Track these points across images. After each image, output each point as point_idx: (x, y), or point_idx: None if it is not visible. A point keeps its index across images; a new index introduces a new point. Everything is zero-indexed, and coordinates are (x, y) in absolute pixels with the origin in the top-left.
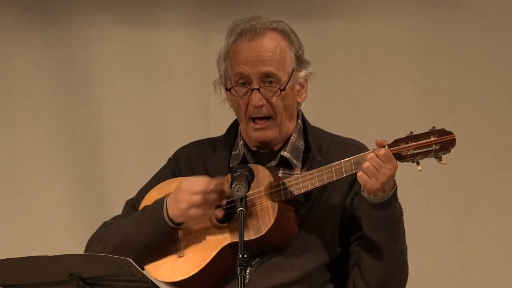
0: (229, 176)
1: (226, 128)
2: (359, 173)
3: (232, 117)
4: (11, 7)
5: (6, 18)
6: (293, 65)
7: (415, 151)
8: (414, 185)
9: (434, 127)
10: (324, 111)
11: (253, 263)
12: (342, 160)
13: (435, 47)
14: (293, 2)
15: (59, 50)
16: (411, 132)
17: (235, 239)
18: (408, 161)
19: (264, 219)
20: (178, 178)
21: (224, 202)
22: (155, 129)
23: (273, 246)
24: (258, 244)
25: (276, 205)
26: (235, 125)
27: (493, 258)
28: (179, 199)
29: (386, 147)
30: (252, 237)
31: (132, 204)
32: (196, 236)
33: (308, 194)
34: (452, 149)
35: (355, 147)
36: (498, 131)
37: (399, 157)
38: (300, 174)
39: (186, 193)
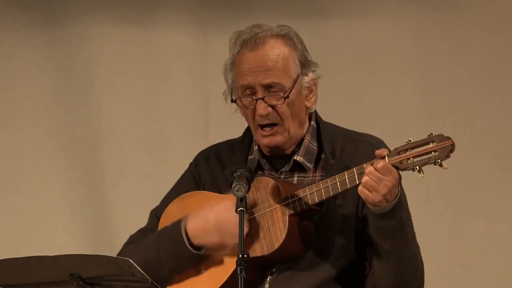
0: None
1: (226, 128)
2: (360, 188)
3: (232, 117)
4: (11, 7)
5: (6, 18)
6: (297, 70)
7: (415, 159)
8: (414, 185)
9: (432, 134)
10: (324, 111)
11: (274, 270)
12: (346, 172)
13: (435, 47)
14: (293, 2)
15: (59, 50)
16: (409, 140)
17: (253, 254)
18: (409, 170)
19: (276, 233)
20: (194, 193)
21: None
22: (155, 129)
23: (290, 256)
24: (274, 257)
25: (287, 218)
26: (250, 129)
27: (493, 258)
28: (209, 228)
29: (386, 157)
30: (266, 253)
31: (156, 215)
32: (215, 254)
33: (312, 206)
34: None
35: (368, 144)
36: (498, 131)
37: (400, 166)
38: (319, 178)
39: (216, 223)
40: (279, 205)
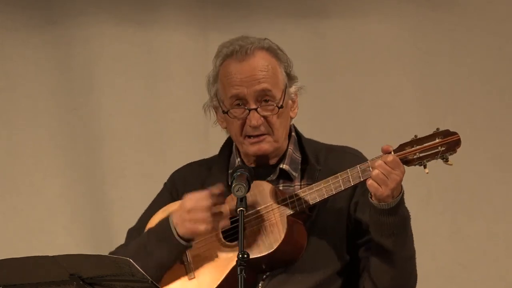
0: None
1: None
2: (369, 181)
3: None
4: (11, 7)
5: (6, 18)
6: (285, 81)
7: (421, 154)
8: (415, 186)
9: (438, 129)
10: (324, 111)
11: (264, 276)
12: (349, 169)
13: (435, 47)
14: (293, 2)
15: (59, 50)
16: (415, 136)
17: (251, 255)
18: (415, 165)
19: (274, 234)
20: (176, 203)
21: (228, 222)
22: (155, 129)
23: (284, 261)
24: (269, 260)
25: (285, 219)
26: (228, 145)
27: (493, 258)
28: (184, 217)
29: (392, 152)
30: (264, 253)
31: (136, 231)
32: (206, 257)
33: (311, 205)
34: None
35: (352, 155)
36: (498, 131)
37: (406, 161)
38: (305, 186)
39: (191, 211)
40: (277, 206)
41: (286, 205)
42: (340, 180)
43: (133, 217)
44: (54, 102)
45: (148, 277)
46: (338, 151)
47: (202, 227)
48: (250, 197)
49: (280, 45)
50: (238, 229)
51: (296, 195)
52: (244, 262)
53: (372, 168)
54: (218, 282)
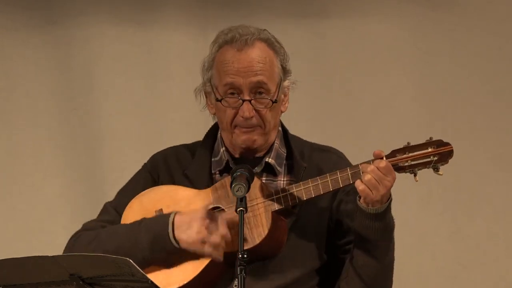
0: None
1: None
2: (361, 186)
3: None
4: (11, 7)
5: (6, 18)
6: (280, 75)
7: (413, 162)
8: (414, 186)
9: (431, 138)
10: (324, 111)
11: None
12: (338, 171)
13: (435, 47)
14: (293, 2)
15: (59, 50)
16: (408, 143)
17: (226, 249)
18: (406, 172)
19: (258, 229)
20: (156, 188)
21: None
22: (155, 129)
23: (263, 255)
24: (250, 253)
25: (270, 215)
26: (212, 132)
27: (493, 258)
28: (192, 226)
29: (384, 158)
30: (246, 247)
31: (113, 208)
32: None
33: (297, 203)
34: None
35: (336, 156)
36: (498, 131)
37: (397, 168)
38: (288, 182)
39: (201, 225)
40: (262, 201)
41: (272, 201)
42: (329, 181)
43: None
44: (54, 102)
45: (148, 277)
46: (322, 150)
47: (206, 248)
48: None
49: None
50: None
51: (283, 191)
52: (244, 262)
53: (364, 172)
54: (197, 273)
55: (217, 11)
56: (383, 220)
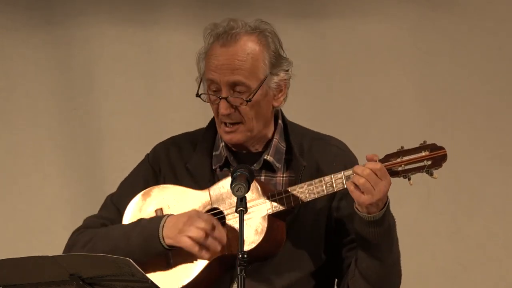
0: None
1: None
2: (351, 187)
3: None
4: (11, 7)
5: (6, 18)
6: (265, 71)
7: (406, 167)
8: (414, 186)
9: (425, 142)
10: (324, 111)
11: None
12: (333, 175)
13: (435, 47)
14: (293, 2)
15: (59, 50)
16: (401, 147)
17: (224, 252)
18: (400, 177)
19: (255, 232)
20: (159, 187)
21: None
22: (155, 129)
23: (261, 257)
24: (247, 256)
25: (267, 218)
26: (213, 123)
27: (493, 258)
28: (178, 222)
29: (377, 162)
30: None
31: (113, 203)
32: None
33: (293, 206)
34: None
35: (337, 149)
36: (498, 131)
37: (392, 173)
38: (287, 178)
39: (187, 220)
40: (258, 203)
41: (269, 204)
42: (323, 185)
43: None
44: (54, 102)
45: (148, 277)
46: (323, 142)
47: (186, 240)
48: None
49: None
50: (223, 222)
51: (279, 194)
52: (244, 262)
53: (358, 175)
54: (195, 276)
55: (217, 11)
56: (382, 225)
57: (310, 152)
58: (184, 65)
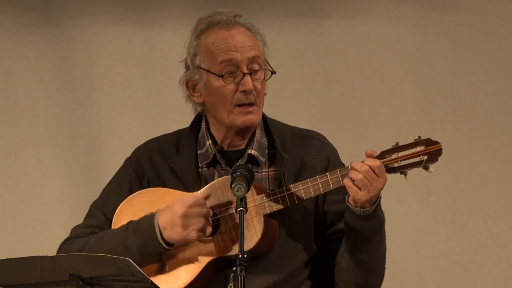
0: (209, 186)
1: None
2: (348, 183)
3: None
4: (11, 7)
5: (6, 18)
6: (264, 55)
7: (403, 163)
8: (414, 186)
9: (419, 137)
10: (324, 111)
11: (234, 269)
12: (328, 173)
13: (435, 47)
14: (293, 2)
15: (59, 50)
16: (396, 143)
17: (219, 254)
18: (396, 173)
19: (251, 234)
20: (146, 191)
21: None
22: (155, 129)
23: (257, 255)
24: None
25: (262, 218)
26: (196, 122)
27: (493, 258)
28: (176, 223)
29: (376, 159)
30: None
31: (99, 210)
32: (180, 251)
33: (289, 206)
34: (439, 158)
35: (318, 141)
36: (498, 131)
37: (388, 169)
38: (272, 173)
39: (184, 217)
40: (253, 204)
41: (263, 204)
42: (319, 183)
43: None
44: (54, 102)
45: (148, 277)
46: (303, 136)
47: (194, 234)
48: (226, 191)
49: (280, 45)
50: (218, 224)
51: (274, 194)
52: (244, 262)
53: (356, 171)
54: (190, 280)
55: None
56: (373, 220)
57: (292, 145)
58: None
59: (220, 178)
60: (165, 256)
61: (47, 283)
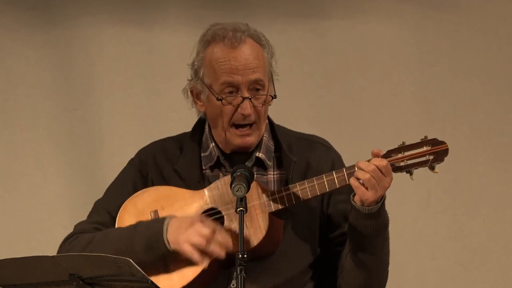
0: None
1: None
2: (356, 183)
3: None
4: (11, 7)
5: (6, 18)
6: (270, 70)
7: (409, 162)
8: (414, 186)
9: (426, 137)
10: (324, 111)
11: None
12: (334, 171)
13: (435, 47)
14: (293, 2)
15: (59, 50)
16: (403, 142)
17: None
18: (402, 172)
19: (255, 231)
20: (150, 189)
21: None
22: (155, 129)
23: (260, 256)
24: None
25: (267, 217)
26: (200, 125)
27: (493, 258)
28: (182, 225)
29: (382, 158)
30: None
31: (104, 208)
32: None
33: (294, 204)
34: (445, 158)
35: (323, 146)
36: (498, 131)
37: (394, 168)
38: (279, 176)
39: (190, 224)
40: (258, 202)
41: (268, 202)
42: (325, 182)
43: None
44: (54, 102)
45: (148, 277)
46: (307, 141)
47: (195, 256)
48: (227, 191)
49: (280, 45)
50: (221, 222)
51: (279, 192)
52: (244, 262)
53: (363, 170)
54: (192, 278)
55: (217, 11)
56: (378, 218)
57: (298, 149)
58: (184, 65)
59: (226, 176)
60: (171, 256)
61: (47, 283)
